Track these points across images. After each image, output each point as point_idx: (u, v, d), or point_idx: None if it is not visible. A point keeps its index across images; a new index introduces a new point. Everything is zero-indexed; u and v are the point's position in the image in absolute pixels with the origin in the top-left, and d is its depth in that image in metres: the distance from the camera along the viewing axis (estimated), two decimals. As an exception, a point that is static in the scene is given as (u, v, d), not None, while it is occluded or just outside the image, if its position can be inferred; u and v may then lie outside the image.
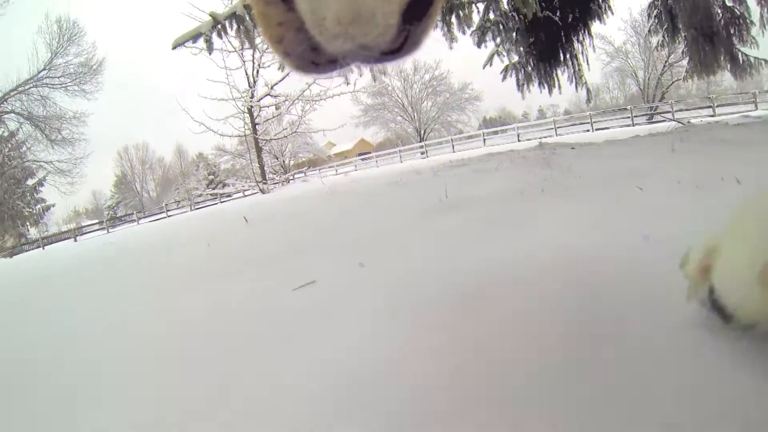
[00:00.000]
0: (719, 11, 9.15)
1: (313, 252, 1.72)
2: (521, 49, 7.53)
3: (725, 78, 24.02)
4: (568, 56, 7.65)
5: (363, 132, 40.70)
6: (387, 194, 3.30)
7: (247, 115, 21.05)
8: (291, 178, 24.76)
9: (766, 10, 8.83)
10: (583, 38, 7.65)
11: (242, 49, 19.59)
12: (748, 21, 9.08)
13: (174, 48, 9.05)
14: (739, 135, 4.33)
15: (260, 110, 21.60)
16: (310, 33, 0.40)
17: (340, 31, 0.38)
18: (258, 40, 18.80)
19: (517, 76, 7.87)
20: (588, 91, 8.14)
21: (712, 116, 16.06)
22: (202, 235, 3.55)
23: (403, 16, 0.39)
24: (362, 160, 29.50)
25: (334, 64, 0.45)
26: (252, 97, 21.16)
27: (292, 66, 0.46)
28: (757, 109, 16.68)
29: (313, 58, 0.44)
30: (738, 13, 9.08)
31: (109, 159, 48.56)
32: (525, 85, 7.84)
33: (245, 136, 21.60)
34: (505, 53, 7.83)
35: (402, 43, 0.42)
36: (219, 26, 8.66)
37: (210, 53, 9.02)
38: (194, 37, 9.03)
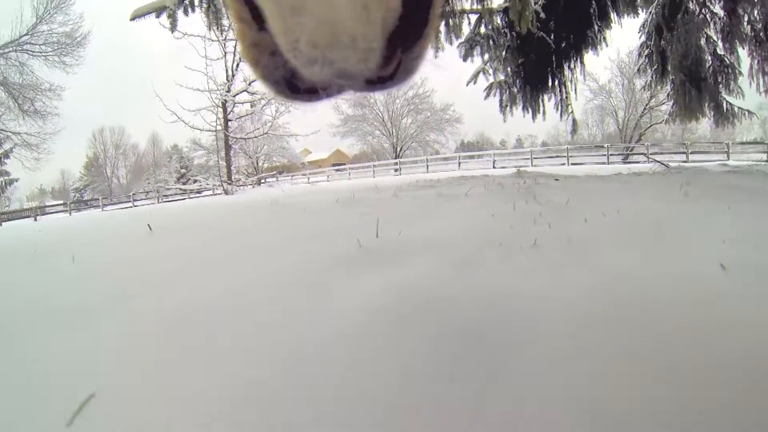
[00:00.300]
0: (710, 58, 9.08)
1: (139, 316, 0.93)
2: (509, 68, 6.95)
3: (700, 126, 24.65)
4: (557, 83, 7.14)
5: (340, 142, 39.94)
6: (324, 215, 2.53)
7: (220, 109, 19.97)
8: (263, 180, 23.75)
9: (756, 62, 8.74)
10: (575, 66, 7.17)
11: (225, 39, 18.67)
12: (736, 71, 9.04)
13: (132, 19, 8.06)
14: (740, 181, 3.95)
15: (234, 106, 20.54)
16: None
17: (317, 55, 0.33)
18: (228, 24, 18.01)
19: (501, 96, 7.27)
20: (574, 121, 7.65)
21: (685, 162, 16.15)
22: (96, 242, 2.78)
23: (394, 40, 0.34)
24: (336, 170, 28.69)
25: (315, 92, 0.39)
26: (228, 91, 20.15)
27: (271, 91, 0.40)
28: (729, 159, 16.93)
29: (294, 83, 0.38)
30: (728, 62, 9.02)
31: (82, 138, 45.96)
32: (508, 107, 7.25)
33: (215, 131, 20.44)
34: (491, 72, 7.25)
35: (394, 71, 0.37)
36: (186, 1, 7.78)
37: (173, 32, 8.09)
38: (158, 10, 8.07)
